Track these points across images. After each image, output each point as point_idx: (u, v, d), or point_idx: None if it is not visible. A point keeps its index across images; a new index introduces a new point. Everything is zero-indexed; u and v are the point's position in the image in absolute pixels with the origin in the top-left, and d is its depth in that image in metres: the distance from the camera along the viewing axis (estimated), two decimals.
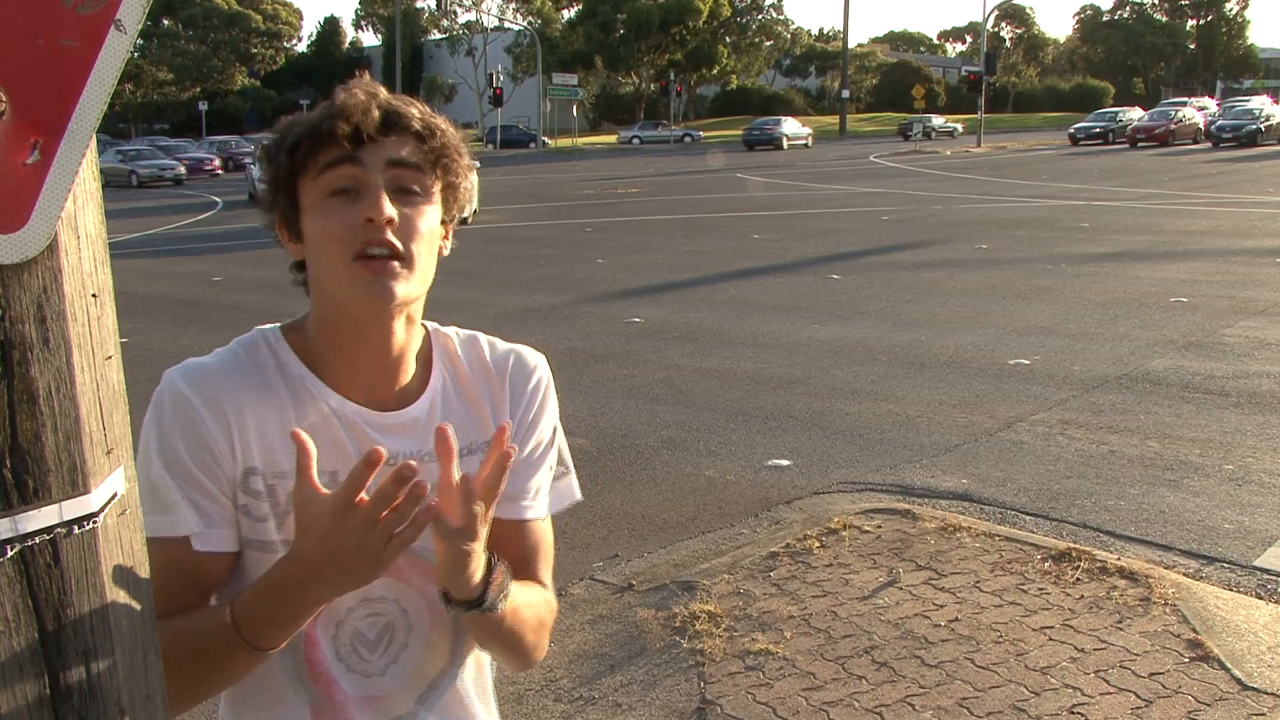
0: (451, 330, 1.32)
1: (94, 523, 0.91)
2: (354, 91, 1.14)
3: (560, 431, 1.35)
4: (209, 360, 1.21)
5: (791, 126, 50.33)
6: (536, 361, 1.31)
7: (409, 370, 1.24)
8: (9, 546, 0.84)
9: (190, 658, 1.09)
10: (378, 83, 1.19)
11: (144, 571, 1.07)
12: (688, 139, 57.51)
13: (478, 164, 1.34)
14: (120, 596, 0.98)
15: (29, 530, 0.85)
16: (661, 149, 51.29)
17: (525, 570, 1.28)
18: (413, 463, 1.00)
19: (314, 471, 1.03)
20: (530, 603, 1.23)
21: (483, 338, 1.32)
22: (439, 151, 1.16)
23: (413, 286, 1.15)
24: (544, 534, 1.31)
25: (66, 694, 0.89)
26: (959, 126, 50.88)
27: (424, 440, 1.20)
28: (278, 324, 1.26)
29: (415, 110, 1.17)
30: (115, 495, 0.99)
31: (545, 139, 56.32)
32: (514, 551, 1.26)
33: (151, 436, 1.16)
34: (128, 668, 0.98)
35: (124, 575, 0.99)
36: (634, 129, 60.98)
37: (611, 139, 62.26)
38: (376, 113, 1.13)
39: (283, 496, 1.17)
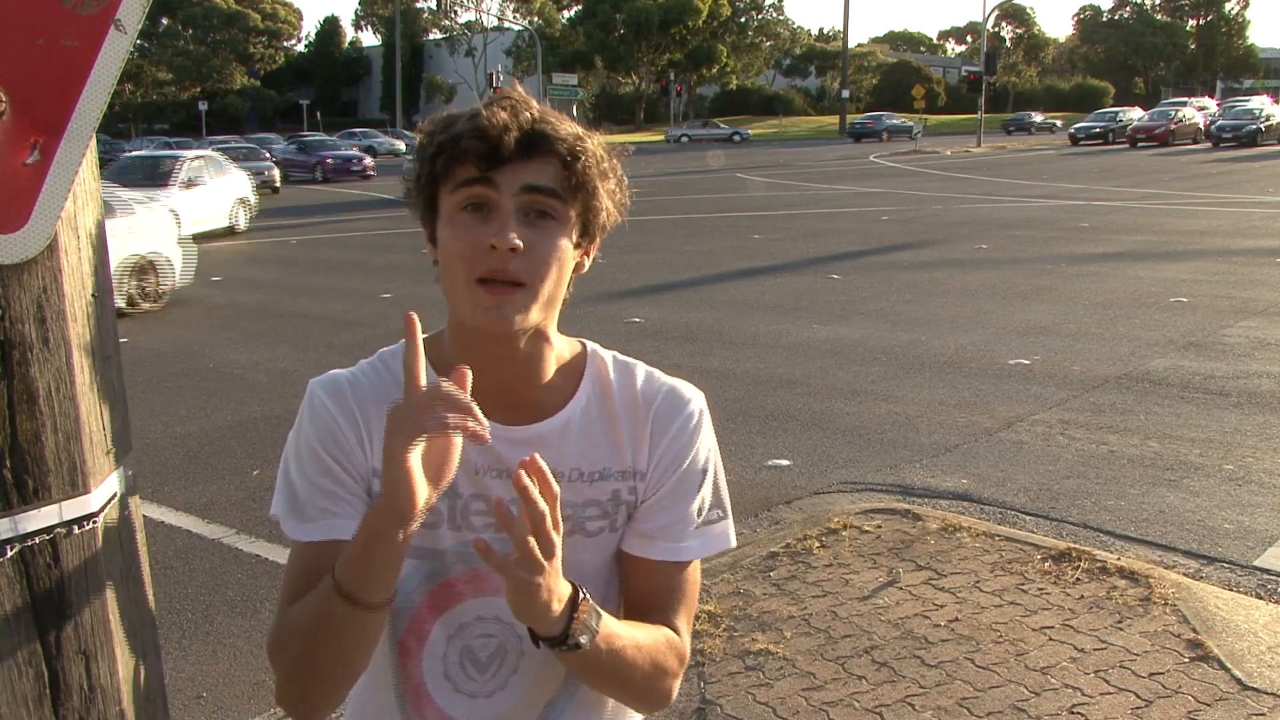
0: (611, 354, 1.29)
1: (94, 523, 0.91)
2: (496, 110, 1.12)
3: (719, 472, 1.31)
4: (347, 372, 1.24)
5: (895, 120, 54.62)
6: (691, 395, 1.27)
7: (544, 384, 1.22)
8: (9, 546, 0.84)
9: (311, 636, 1.10)
10: (531, 95, 1.18)
11: (144, 571, 1.07)
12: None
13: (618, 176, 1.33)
14: (120, 597, 0.98)
15: (29, 530, 0.85)
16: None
17: (656, 613, 1.24)
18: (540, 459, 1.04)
19: (420, 371, 1.03)
20: (642, 645, 1.18)
21: (641, 367, 1.29)
22: (581, 176, 1.13)
23: (533, 314, 1.13)
24: (682, 577, 1.26)
25: (66, 694, 0.89)
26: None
27: (557, 456, 1.18)
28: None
29: (563, 131, 1.13)
30: (115, 495, 0.99)
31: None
32: (645, 591, 1.24)
33: (291, 442, 1.21)
34: (128, 668, 0.98)
35: (124, 575, 0.99)
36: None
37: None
38: (516, 134, 1.10)
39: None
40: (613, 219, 1.20)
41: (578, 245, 1.17)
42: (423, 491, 1.02)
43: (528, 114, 1.13)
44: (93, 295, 0.95)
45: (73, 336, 0.91)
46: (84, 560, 0.93)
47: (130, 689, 0.99)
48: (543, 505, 1.01)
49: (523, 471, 1.01)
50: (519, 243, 1.09)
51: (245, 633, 3.99)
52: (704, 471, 1.27)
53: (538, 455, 1.04)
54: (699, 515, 1.27)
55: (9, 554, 0.87)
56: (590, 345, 1.29)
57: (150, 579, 1.13)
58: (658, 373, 1.28)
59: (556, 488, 1.03)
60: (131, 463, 1.05)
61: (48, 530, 0.89)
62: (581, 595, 1.10)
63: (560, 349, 1.25)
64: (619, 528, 1.24)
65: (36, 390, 0.88)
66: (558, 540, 1.03)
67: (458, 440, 1.04)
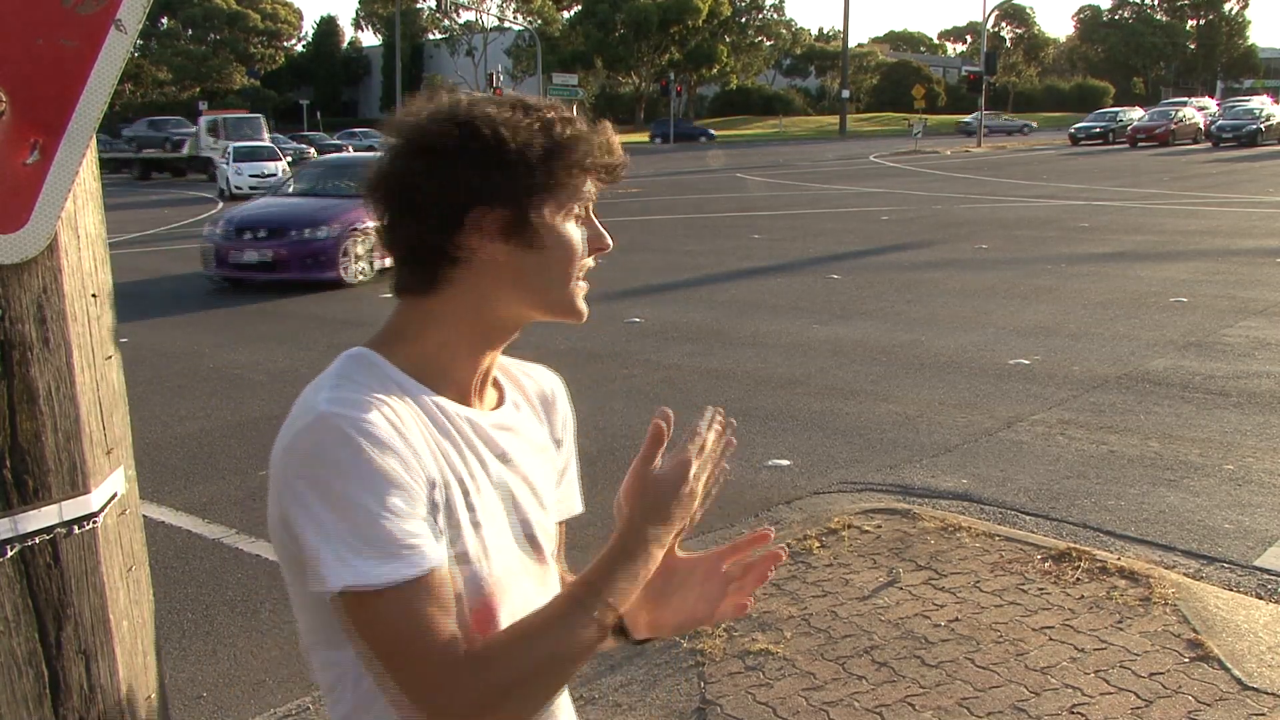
0: None
1: (94, 523, 0.91)
2: (614, 140, 1.23)
3: None
4: (348, 392, 1.11)
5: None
6: (547, 373, 1.42)
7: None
8: (9, 546, 0.84)
9: (571, 665, 1.11)
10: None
11: (144, 571, 1.07)
12: (703, 138, 57.44)
13: None
14: (120, 596, 0.98)
15: (29, 530, 0.85)
16: (674, 147, 51.30)
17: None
18: (667, 410, 1.21)
19: (660, 453, 1.20)
20: None
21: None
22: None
23: None
24: None
25: (66, 694, 0.89)
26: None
27: (522, 436, 1.29)
28: (361, 347, 1.20)
29: None
30: (115, 495, 0.99)
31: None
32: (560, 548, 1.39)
33: (347, 482, 1.04)
34: (128, 668, 0.97)
35: (124, 575, 0.99)
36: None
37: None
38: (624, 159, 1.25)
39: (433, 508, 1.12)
40: None
41: None
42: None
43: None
44: (92, 295, 0.95)
45: (73, 336, 0.91)
46: (84, 560, 0.93)
47: (130, 689, 0.99)
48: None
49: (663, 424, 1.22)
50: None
51: (245, 633, 3.99)
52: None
53: (660, 420, 1.21)
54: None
55: (9, 554, 0.87)
56: None
57: (150, 579, 1.13)
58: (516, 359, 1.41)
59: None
60: (131, 463, 1.05)
61: (48, 530, 0.89)
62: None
63: None
64: (556, 495, 1.37)
65: (36, 390, 0.88)
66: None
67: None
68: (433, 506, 1.10)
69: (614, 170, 1.24)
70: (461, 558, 1.14)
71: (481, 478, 1.20)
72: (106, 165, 44.56)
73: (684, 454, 1.22)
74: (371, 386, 1.13)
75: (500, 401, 1.30)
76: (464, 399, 1.23)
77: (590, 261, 1.25)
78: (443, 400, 1.19)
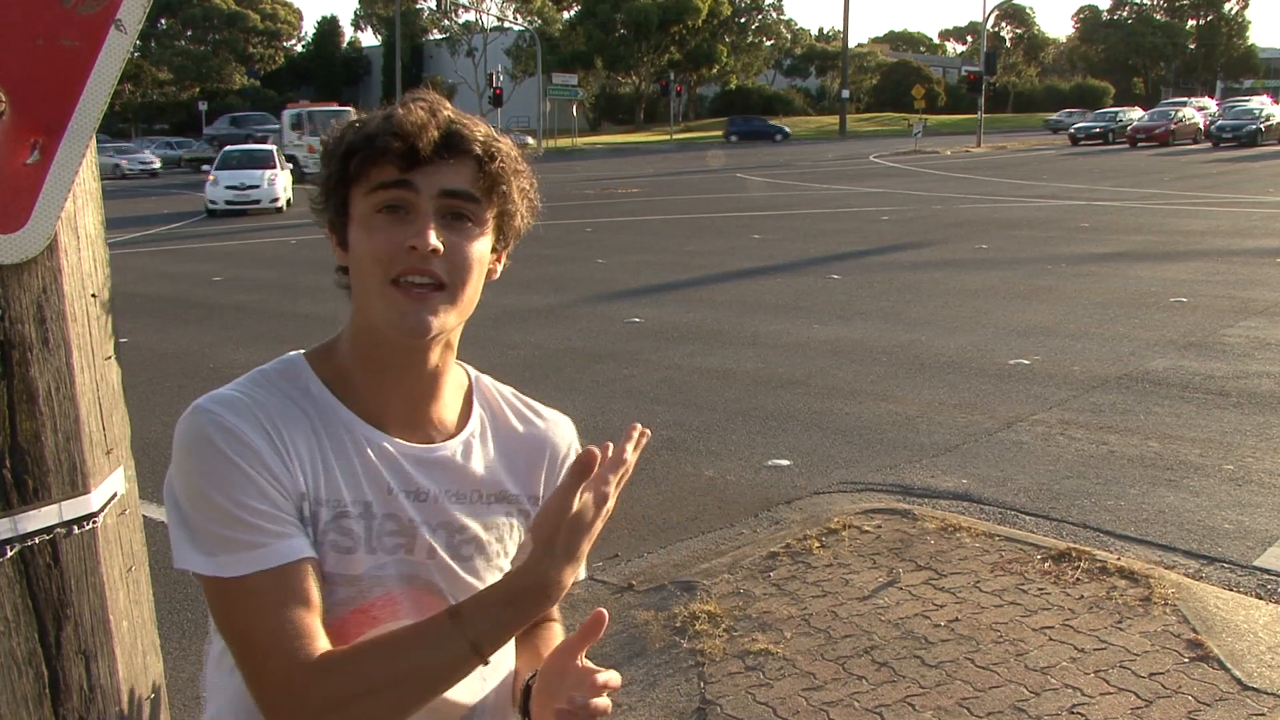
0: (490, 379, 1.31)
1: (94, 523, 0.91)
2: (414, 108, 1.09)
3: None
4: (237, 390, 1.13)
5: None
6: (572, 432, 1.32)
7: (444, 403, 1.21)
8: (9, 546, 0.84)
9: (429, 689, 1.06)
10: (443, 97, 1.16)
11: (144, 571, 1.06)
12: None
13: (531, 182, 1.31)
14: (120, 596, 0.98)
15: (29, 530, 0.85)
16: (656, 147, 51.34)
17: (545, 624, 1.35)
18: (594, 449, 1.03)
19: (577, 494, 1.03)
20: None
21: (521, 396, 1.32)
22: (495, 177, 1.12)
23: (451, 318, 1.12)
24: None
25: (66, 694, 0.89)
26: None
27: (461, 478, 1.19)
28: (301, 351, 1.21)
29: (479, 132, 1.12)
30: (115, 495, 0.99)
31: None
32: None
33: (192, 474, 1.07)
34: (128, 668, 0.97)
35: (124, 575, 0.99)
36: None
37: (660, 137, 61.71)
38: (435, 134, 1.08)
39: (320, 524, 1.12)
40: (526, 223, 1.20)
41: (493, 249, 1.17)
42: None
43: (444, 113, 1.11)
44: (92, 295, 0.95)
45: (73, 336, 0.91)
46: (84, 560, 0.93)
47: (130, 689, 0.99)
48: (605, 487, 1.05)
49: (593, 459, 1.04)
50: (439, 245, 1.07)
51: None
52: None
53: (594, 448, 1.05)
54: None
55: (9, 554, 0.87)
56: (470, 369, 1.29)
57: (150, 579, 1.13)
58: (535, 401, 1.31)
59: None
60: (131, 463, 1.05)
61: (48, 530, 0.89)
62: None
63: (454, 367, 1.24)
64: (509, 551, 1.24)
65: (36, 390, 0.88)
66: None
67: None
68: (300, 516, 1.10)
69: (405, 138, 1.07)
70: (327, 577, 1.12)
71: (377, 504, 1.14)
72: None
73: (604, 487, 1.05)
74: (271, 389, 1.14)
75: (452, 433, 1.21)
76: (378, 421, 1.16)
77: (415, 265, 1.08)
78: (352, 418, 1.15)
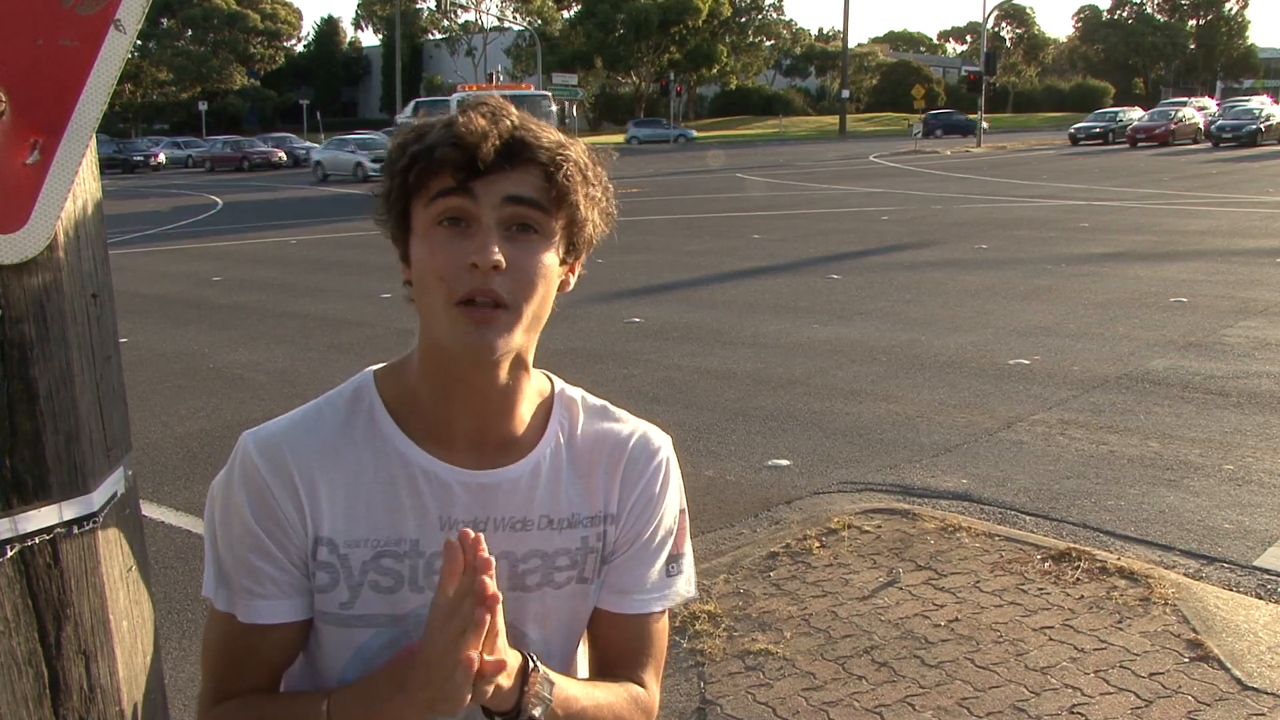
0: (579, 392, 1.24)
1: (94, 523, 0.91)
2: (474, 116, 1.04)
3: (685, 518, 1.26)
4: (285, 423, 1.16)
5: None
6: (661, 442, 1.23)
7: (517, 420, 1.16)
8: (9, 546, 0.84)
9: None
10: (509, 102, 1.10)
11: (144, 572, 1.07)
12: (680, 139, 57.16)
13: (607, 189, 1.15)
14: (120, 597, 0.98)
15: (29, 530, 0.85)
16: (652, 148, 51.32)
17: (624, 668, 1.21)
18: (453, 540, 0.97)
19: (453, 584, 0.97)
20: (603, 704, 1.15)
21: (611, 408, 1.24)
22: (564, 188, 1.06)
23: (517, 336, 1.06)
24: (652, 631, 1.23)
25: (66, 694, 0.89)
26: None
27: (526, 504, 1.14)
28: (376, 367, 1.19)
29: (545, 138, 1.06)
30: (115, 495, 0.99)
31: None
32: (614, 647, 1.21)
33: (219, 502, 1.16)
34: (128, 668, 0.97)
35: (124, 576, 0.99)
36: (629, 129, 60.74)
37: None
38: (496, 142, 1.02)
39: (356, 565, 1.12)
40: (599, 231, 1.13)
41: (563, 261, 1.10)
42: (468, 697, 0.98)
43: (507, 121, 1.05)
44: (92, 295, 0.95)
45: (73, 336, 0.91)
46: (84, 560, 0.93)
47: (130, 689, 0.99)
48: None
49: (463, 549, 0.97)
50: (502, 260, 1.02)
51: None
52: (675, 520, 1.24)
53: (467, 534, 0.98)
54: (669, 566, 1.23)
55: (9, 554, 0.87)
56: (557, 381, 1.23)
57: (150, 579, 1.13)
58: (627, 414, 1.23)
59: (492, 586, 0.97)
60: (131, 463, 1.05)
61: (48, 530, 0.89)
62: (531, 665, 1.07)
63: (534, 381, 1.18)
64: (587, 577, 1.19)
65: (36, 390, 0.87)
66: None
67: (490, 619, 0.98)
68: (314, 560, 1.12)
69: (465, 147, 1.02)
70: (331, 618, 1.14)
71: (425, 542, 1.12)
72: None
73: (476, 612, 0.97)
74: (326, 423, 1.15)
75: (523, 453, 1.16)
76: (443, 441, 1.13)
77: (477, 285, 1.03)
78: (410, 446, 1.13)
